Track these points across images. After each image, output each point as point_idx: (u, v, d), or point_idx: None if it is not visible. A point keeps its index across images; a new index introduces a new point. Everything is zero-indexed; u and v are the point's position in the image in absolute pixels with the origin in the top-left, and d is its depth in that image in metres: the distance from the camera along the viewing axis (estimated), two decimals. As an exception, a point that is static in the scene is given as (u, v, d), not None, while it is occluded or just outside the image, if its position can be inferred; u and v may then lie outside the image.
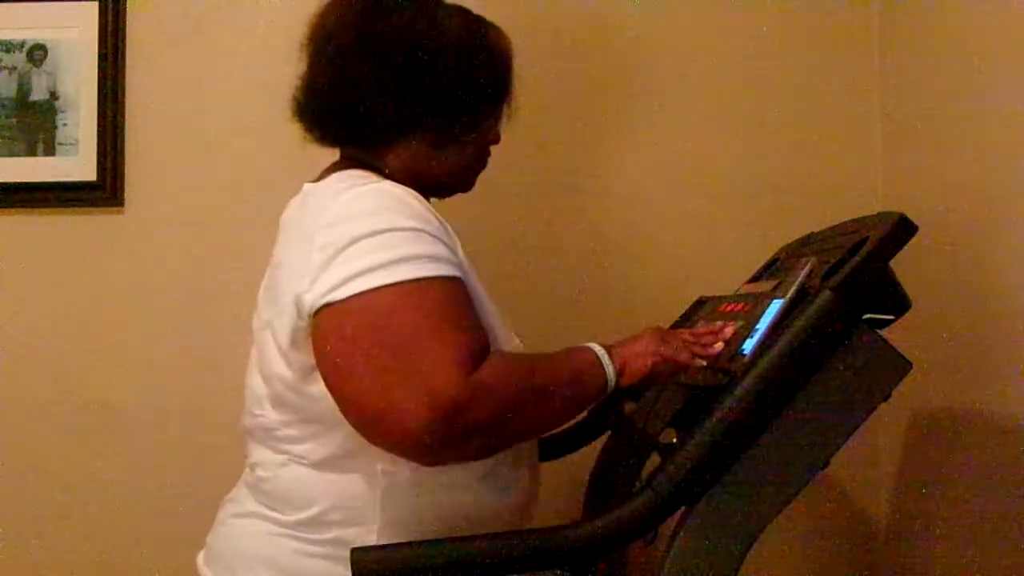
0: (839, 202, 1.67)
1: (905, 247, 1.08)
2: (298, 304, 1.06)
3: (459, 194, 1.32)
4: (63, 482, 1.78)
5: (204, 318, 1.79)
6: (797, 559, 1.79)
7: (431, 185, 1.23)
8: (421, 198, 1.12)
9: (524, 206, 1.83)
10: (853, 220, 1.28)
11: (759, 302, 1.17)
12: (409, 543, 1.00)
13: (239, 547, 1.18)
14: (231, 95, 1.83)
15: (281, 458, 1.15)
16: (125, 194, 1.82)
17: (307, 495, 1.13)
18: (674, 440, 1.23)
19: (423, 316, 1.02)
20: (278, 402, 1.15)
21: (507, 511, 1.18)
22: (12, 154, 1.82)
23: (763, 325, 1.10)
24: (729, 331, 1.17)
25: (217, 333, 1.76)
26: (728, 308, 1.28)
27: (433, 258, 1.05)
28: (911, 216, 1.08)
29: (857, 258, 1.07)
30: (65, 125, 1.82)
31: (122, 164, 1.82)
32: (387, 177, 1.17)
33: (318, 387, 1.07)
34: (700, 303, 1.47)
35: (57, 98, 1.82)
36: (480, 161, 1.30)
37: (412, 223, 1.06)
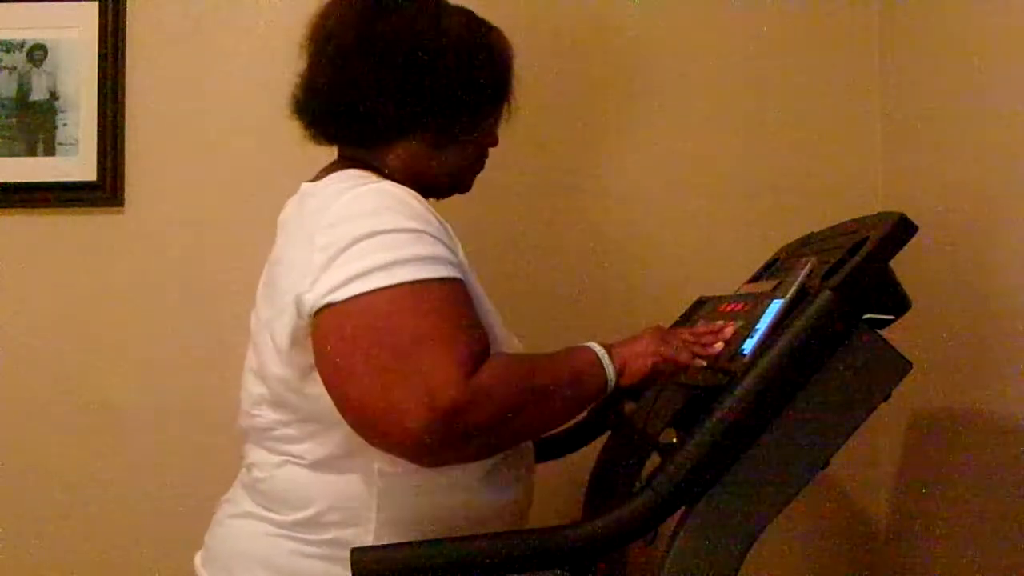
0: (839, 202, 1.67)
1: (905, 247, 1.08)
2: (298, 304, 1.06)
3: (459, 195, 1.32)
4: (63, 482, 1.78)
5: (204, 318, 1.79)
6: (797, 559, 1.79)
7: (430, 185, 1.23)
8: (421, 198, 1.12)
9: (524, 206, 1.83)
10: (853, 220, 1.28)
11: (759, 302, 1.17)
12: (409, 543, 1.00)
13: (236, 547, 1.18)
14: (231, 95, 1.83)
15: (278, 458, 1.15)
16: (125, 194, 1.82)
17: (304, 495, 1.13)
18: (674, 440, 1.23)
19: (423, 317, 1.02)
20: (276, 402, 1.15)
21: (506, 511, 1.18)
22: (12, 154, 1.82)
23: (763, 325, 1.10)
24: (729, 331, 1.17)
25: (217, 333, 1.76)
26: (728, 308, 1.28)
27: (434, 259, 1.05)
28: (911, 216, 1.08)
29: (857, 258, 1.07)
30: (65, 125, 1.82)
31: (122, 164, 1.82)
32: (387, 177, 1.17)
33: (317, 387, 1.07)
34: (700, 303, 1.47)
35: (57, 98, 1.82)
36: (478, 162, 1.31)
37: (413, 224, 1.06)
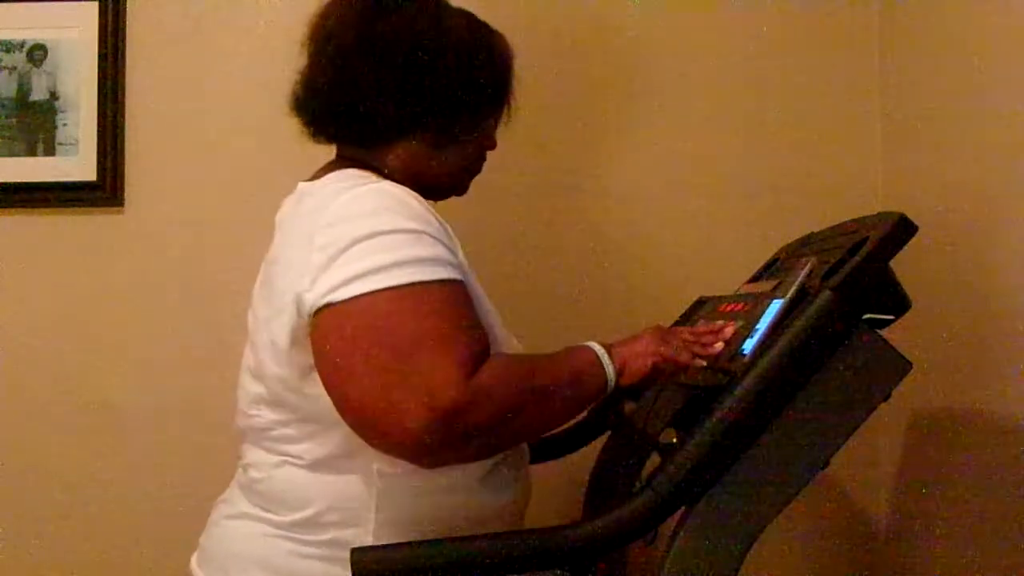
0: (839, 202, 1.67)
1: (905, 247, 1.08)
2: (298, 303, 1.06)
3: (459, 196, 1.32)
4: (63, 482, 1.78)
5: (204, 318, 1.79)
6: (797, 559, 1.79)
7: (429, 186, 1.23)
8: (420, 198, 1.12)
9: (524, 206, 1.83)
10: (853, 220, 1.28)
11: (759, 302, 1.17)
12: (409, 543, 1.00)
13: (232, 548, 1.18)
14: (231, 95, 1.83)
15: (276, 459, 1.15)
16: (125, 194, 1.82)
17: (302, 496, 1.12)
18: (674, 440, 1.23)
19: (423, 318, 1.02)
20: (275, 402, 1.15)
21: (506, 512, 1.18)
22: (12, 154, 1.82)
23: (763, 325, 1.10)
24: (729, 331, 1.16)
25: (217, 333, 1.75)
26: (728, 308, 1.28)
27: (433, 261, 1.05)
28: (911, 216, 1.08)
29: (857, 258, 1.07)
30: (65, 125, 1.82)
31: (122, 164, 1.82)
32: (386, 177, 1.17)
33: (317, 387, 1.07)
34: (700, 303, 1.47)
35: (57, 98, 1.82)
36: (477, 164, 1.31)
37: (413, 225, 1.06)
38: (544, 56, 1.77)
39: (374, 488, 1.10)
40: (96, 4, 1.82)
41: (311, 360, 1.07)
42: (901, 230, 1.07)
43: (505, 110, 1.29)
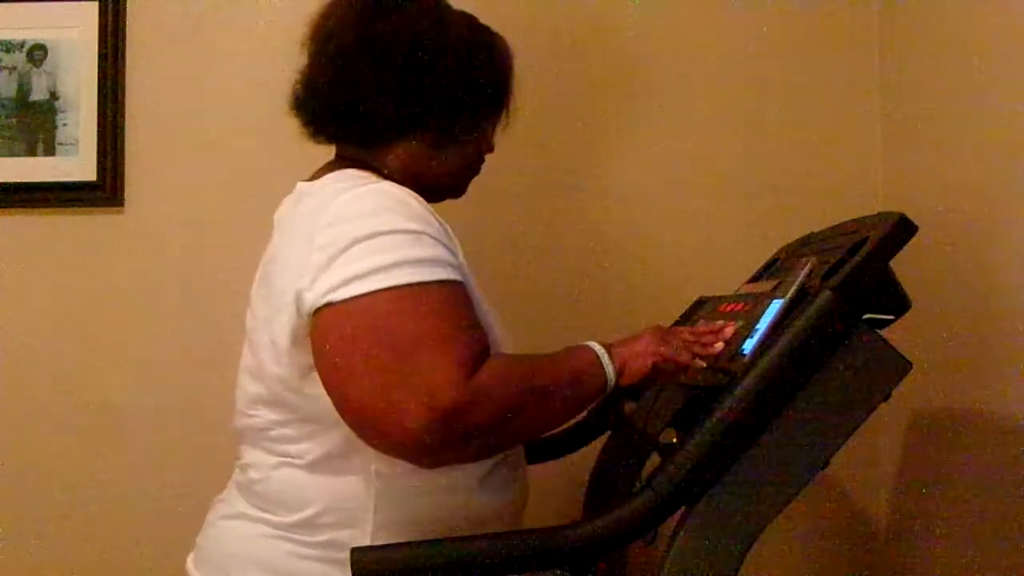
0: (839, 202, 1.67)
1: (905, 247, 1.08)
2: (298, 302, 1.06)
3: (459, 196, 1.32)
4: (63, 482, 1.78)
5: (204, 318, 1.79)
6: (797, 559, 1.79)
7: (429, 186, 1.23)
8: (420, 198, 1.12)
9: (524, 206, 1.83)
10: (853, 220, 1.28)
11: (759, 302, 1.17)
12: (409, 543, 1.00)
13: (229, 549, 1.18)
14: (231, 95, 1.83)
15: (274, 460, 1.15)
16: (125, 194, 1.82)
17: (301, 497, 1.12)
18: (674, 440, 1.23)
19: (423, 319, 1.02)
20: (274, 402, 1.15)
21: (506, 512, 1.18)
22: (12, 154, 1.82)
23: (763, 325, 1.10)
24: (729, 331, 1.17)
25: (217, 333, 1.75)
26: (728, 308, 1.28)
27: (433, 261, 1.05)
28: (911, 216, 1.08)
29: (857, 258, 1.07)
30: (65, 125, 1.82)
31: (122, 164, 1.82)
32: (386, 177, 1.17)
33: (317, 387, 1.07)
34: (700, 303, 1.47)
35: (57, 98, 1.82)
36: (476, 165, 1.30)
37: (413, 225, 1.06)
38: (544, 56, 1.77)
39: (372, 489, 1.10)
40: (96, 4, 1.82)
41: (311, 360, 1.07)
42: (901, 230, 1.07)
43: (505, 112, 1.30)
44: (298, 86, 1.24)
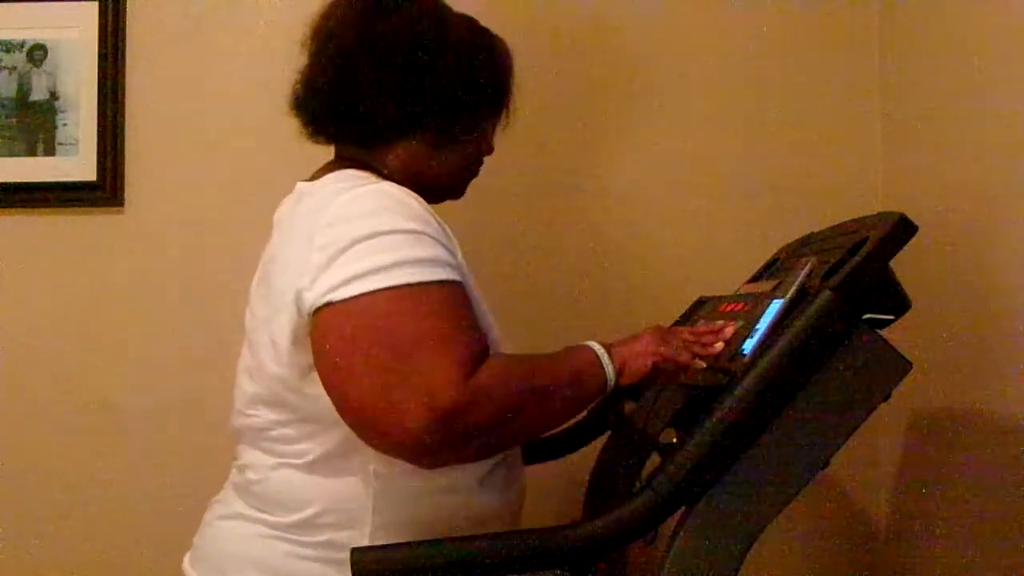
0: (839, 202, 1.67)
1: (905, 247, 1.08)
2: (298, 302, 1.06)
3: (458, 197, 1.32)
4: (63, 482, 1.78)
5: (204, 318, 1.79)
6: (797, 559, 1.79)
7: (429, 186, 1.23)
8: (420, 199, 1.12)
9: (524, 206, 1.83)
10: (853, 220, 1.28)
11: (759, 302, 1.17)
12: (408, 543, 1.00)
13: (226, 549, 1.17)
14: (231, 95, 1.83)
15: (273, 460, 1.15)
16: (125, 194, 1.82)
17: (300, 497, 1.12)
18: (674, 440, 1.23)
19: (423, 319, 1.02)
20: (273, 401, 1.14)
21: (505, 512, 1.18)
22: (12, 154, 1.82)
23: (763, 325, 1.10)
24: (729, 331, 1.17)
25: (217, 333, 1.75)
26: (728, 308, 1.28)
27: (433, 262, 1.05)
28: (911, 216, 1.08)
29: (857, 258, 1.07)
30: (65, 125, 1.82)
31: (122, 164, 1.82)
32: (385, 178, 1.17)
33: (317, 387, 1.07)
34: (700, 303, 1.47)
35: (57, 98, 1.82)
36: (476, 165, 1.31)
37: (412, 225, 1.06)
38: (544, 56, 1.77)
39: (371, 489, 1.10)
40: (96, 4, 1.82)
41: (311, 360, 1.07)
42: (901, 230, 1.08)
43: (504, 113, 1.30)
44: (298, 86, 1.24)
